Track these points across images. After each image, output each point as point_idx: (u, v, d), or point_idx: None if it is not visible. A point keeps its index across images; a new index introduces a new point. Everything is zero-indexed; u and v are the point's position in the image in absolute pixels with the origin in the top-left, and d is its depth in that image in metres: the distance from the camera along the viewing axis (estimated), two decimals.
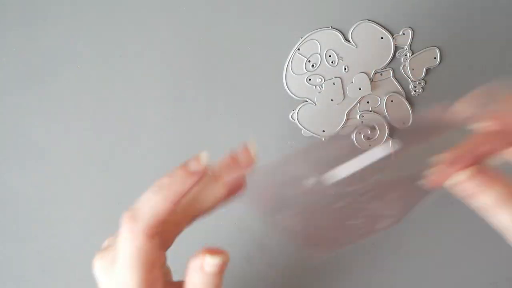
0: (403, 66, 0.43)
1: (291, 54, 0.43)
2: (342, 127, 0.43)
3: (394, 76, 0.43)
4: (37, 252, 0.44)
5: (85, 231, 0.44)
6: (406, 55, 0.43)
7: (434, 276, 0.45)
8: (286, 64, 0.43)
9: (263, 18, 0.43)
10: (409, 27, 0.43)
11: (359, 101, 0.43)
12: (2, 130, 0.44)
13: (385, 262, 0.44)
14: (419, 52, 0.43)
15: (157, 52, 0.43)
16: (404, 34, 0.43)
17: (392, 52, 0.43)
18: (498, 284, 0.44)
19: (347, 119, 0.43)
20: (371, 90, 0.43)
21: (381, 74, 0.43)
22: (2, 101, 0.43)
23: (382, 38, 0.43)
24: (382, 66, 0.43)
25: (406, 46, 0.43)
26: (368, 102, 0.43)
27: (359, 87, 0.42)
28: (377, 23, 0.42)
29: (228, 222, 0.44)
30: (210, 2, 0.43)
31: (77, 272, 0.44)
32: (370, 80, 0.42)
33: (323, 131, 0.43)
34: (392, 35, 0.42)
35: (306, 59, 0.43)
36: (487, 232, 0.45)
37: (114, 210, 0.44)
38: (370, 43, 0.43)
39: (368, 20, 0.43)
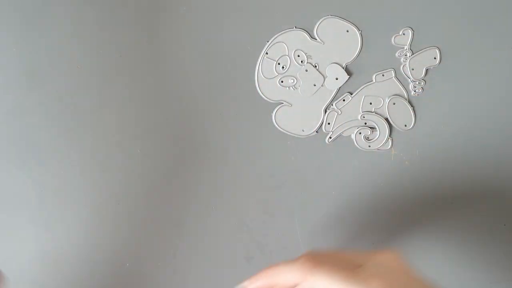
0: (403, 66, 0.43)
1: (260, 59, 0.43)
2: (321, 124, 0.43)
3: (396, 76, 0.43)
4: (37, 252, 0.44)
5: (86, 231, 0.44)
6: (406, 55, 0.43)
7: (434, 276, 0.45)
8: (257, 70, 0.43)
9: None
10: (409, 27, 0.43)
11: (335, 95, 0.43)
12: (2, 130, 0.44)
13: None
14: (419, 52, 0.43)
15: (157, 52, 0.43)
16: (404, 34, 0.43)
17: (360, 44, 0.43)
18: (499, 284, 0.44)
19: (326, 115, 0.43)
20: (372, 91, 0.43)
21: (383, 75, 0.43)
22: (2, 101, 0.43)
23: (347, 31, 0.43)
24: (352, 59, 0.43)
25: (406, 46, 0.43)
26: (371, 103, 0.43)
27: (336, 77, 0.43)
28: (340, 17, 0.43)
29: (228, 222, 0.44)
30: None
31: (77, 271, 0.44)
32: (343, 68, 0.43)
33: (303, 130, 0.43)
34: (357, 27, 0.43)
35: (275, 62, 0.43)
36: (488, 232, 0.45)
37: (115, 209, 0.44)
38: (336, 38, 0.43)
39: (331, 15, 0.43)
